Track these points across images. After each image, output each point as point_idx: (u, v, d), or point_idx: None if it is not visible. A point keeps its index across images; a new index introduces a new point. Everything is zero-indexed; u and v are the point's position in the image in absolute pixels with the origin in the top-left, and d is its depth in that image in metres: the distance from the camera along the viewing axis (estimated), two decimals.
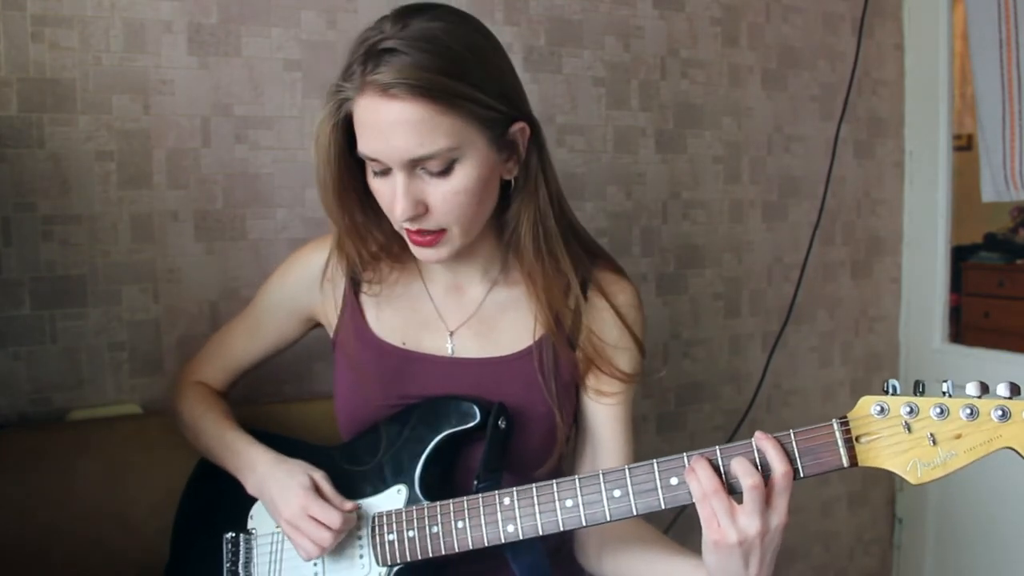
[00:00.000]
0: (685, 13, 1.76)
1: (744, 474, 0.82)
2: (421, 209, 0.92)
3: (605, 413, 1.07)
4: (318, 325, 1.16)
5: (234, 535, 1.04)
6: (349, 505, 0.96)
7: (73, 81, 1.25)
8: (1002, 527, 1.91)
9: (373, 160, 0.92)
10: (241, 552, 1.03)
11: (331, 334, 1.12)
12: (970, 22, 1.89)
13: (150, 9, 1.29)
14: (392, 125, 0.88)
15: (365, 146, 0.91)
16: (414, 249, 0.98)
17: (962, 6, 2.01)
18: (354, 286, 1.09)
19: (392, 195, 0.92)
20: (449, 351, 1.06)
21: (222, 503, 1.06)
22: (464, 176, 0.92)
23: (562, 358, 1.04)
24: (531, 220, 0.99)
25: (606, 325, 1.05)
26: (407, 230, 0.96)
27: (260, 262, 1.38)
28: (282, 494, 0.96)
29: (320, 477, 0.98)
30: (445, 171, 0.91)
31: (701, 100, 1.80)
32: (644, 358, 1.08)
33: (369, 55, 0.88)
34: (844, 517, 2.10)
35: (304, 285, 1.12)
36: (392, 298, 1.08)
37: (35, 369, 1.26)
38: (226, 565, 1.03)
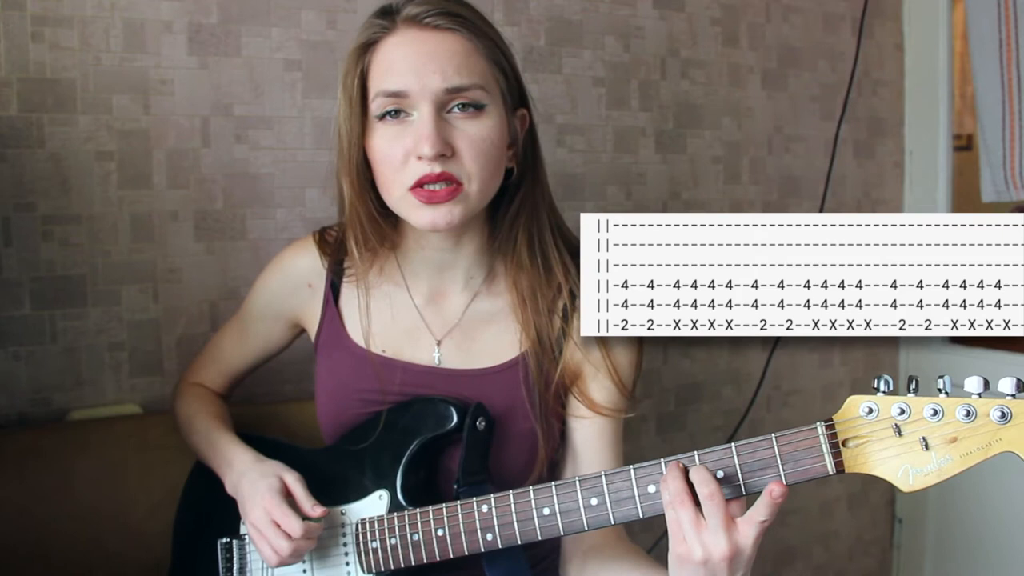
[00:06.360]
0: (685, 13, 1.76)
1: (700, 482, 0.76)
2: (448, 151, 0.89)
3: (587, 431, 1.02)
4: (304, 331, 1.14)
5: (227, 541, 1.03)
6: (319, 511, 0.92)
7: (73, 81, 1.25)
8: (1002, 527, 1.90)
9: (396, 96, 0.89)
10: (235, 558, 1.02)
11: (312, 339, 1.11)
12: (970, 22, 1.89)
13: (150, 9, 1.29)
14: (429, 54, 0.88)
15: (392, 82, 0.89)
16: (422, 213, 0.91)
17: (962, 6, 2.01)
18: (334, 291, 1.07)
19: (408, 140, 0.89)
20: (436, 361, 1.03)
21: (217, 507, 1.05)
22: (490, 124, 0.91)
23: (545, 373, 1.00)
24: (527, 220, 0.98)
25: (591, 343, 0.99)
26: (418, 187, 0.89)
27: (260, 262, 1.37)
28: (251, 495, 0.94)
29: (292, 479, 0.94)
30: (475, 110, 0.90)
31: (701, 100, 1.79)
32: (628, 396, 1.01)
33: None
34: (844, 517, 2.10)
35: (286, 290, 1.10)
36: (373, 305, 1.05)
37: (35, 369, 1.26)
38: (221, 572, 1.02)
